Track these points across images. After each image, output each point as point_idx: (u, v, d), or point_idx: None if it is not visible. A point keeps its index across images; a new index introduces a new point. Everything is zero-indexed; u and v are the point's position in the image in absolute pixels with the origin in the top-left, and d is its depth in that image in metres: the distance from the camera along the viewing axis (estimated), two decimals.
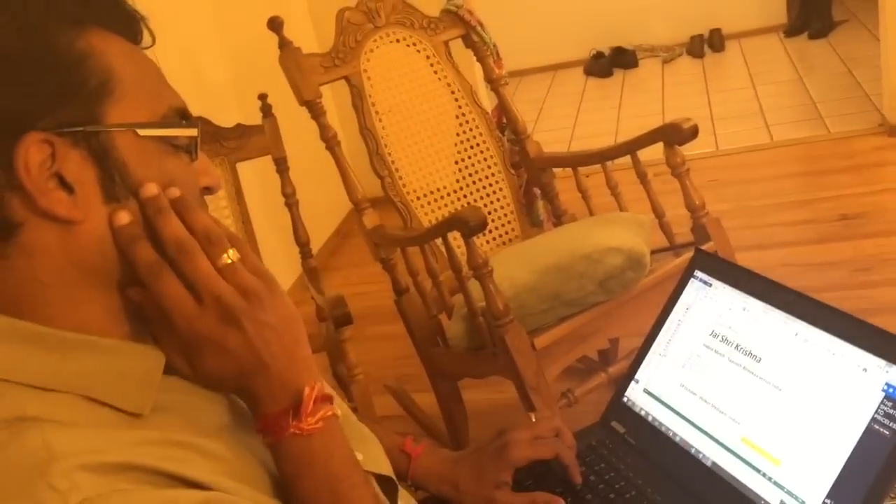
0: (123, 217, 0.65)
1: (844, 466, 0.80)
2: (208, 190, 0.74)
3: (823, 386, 0.85)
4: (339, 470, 0.71)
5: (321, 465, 0.70)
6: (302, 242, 2.03)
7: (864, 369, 0.82)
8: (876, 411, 0.79)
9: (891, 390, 0.79)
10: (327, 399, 0.71)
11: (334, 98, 3.01)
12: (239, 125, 1.97)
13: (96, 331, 0.66)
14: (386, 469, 0.82)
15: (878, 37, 3.50)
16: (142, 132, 0.66)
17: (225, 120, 1.98)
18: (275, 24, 1.92)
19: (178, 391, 0.69)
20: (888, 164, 3.30)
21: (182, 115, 0.71)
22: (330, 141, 1.97)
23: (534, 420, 0.97)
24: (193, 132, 0.71)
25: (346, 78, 2.03)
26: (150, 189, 0.66)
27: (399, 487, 0.84)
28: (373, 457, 0.81)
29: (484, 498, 0.92)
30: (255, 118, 2.00)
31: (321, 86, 1.99)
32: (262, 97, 1.99)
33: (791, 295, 0.92)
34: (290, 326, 0.71)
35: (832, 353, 0.85)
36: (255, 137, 1.97)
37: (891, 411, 0.78)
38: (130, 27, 0.70)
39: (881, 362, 0.81)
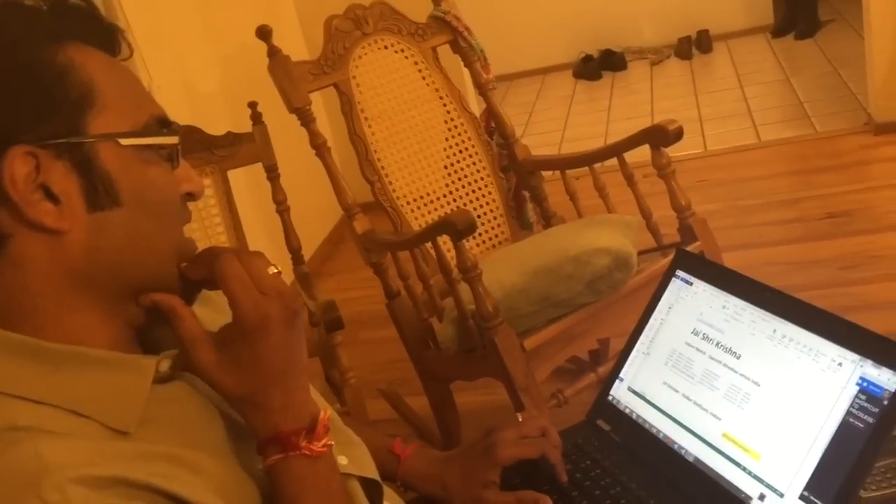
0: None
1: (821, 459, 0.82)
2: (190, 196, 0.75)
3: (801, 381, 0.87)
4: (337, 497, 0.73)
5: (322, 489, 0.71)
6: (293, 249, 2.05)
7: (840, 364, 0.84)
8: (851, 404, 0.82)
9: (865, 384, 0.81)
10: (328, 428, 0.73)
11: (325, 104, 3.03)
12: (229, 133, 1.99)
13: (86, 339, 0.67)
14: (371, 472, 0.84)
15: (863, 36, 3.54)
16: (123, 142, 0.68)
17: (215, 128, 1.99)
18: (263, 33, 1.94)
19: (174, 401, 0.70)
20: (874, 163, 3.33)
21: (163, 124, 0.72)
22: (320, 147, 1.99)
23: (520, 420, 0.99)
24: (174, 140, 0.73)
25: (336, 85, 2.05)
26: None
27: (384, 489, 0.86)
28: (358, 460, 0.83)
29: (472, 497, 0.94)
30: (246, 126, 2.02)
31: (310, 93, 2.00)
32: (252, 105, 2.01)
33: (769, 292, 0.94)
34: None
35: (809, 348, 0.87)
36: (246, 145, 1.99)
37: (865, 404, 0.81)
38: (108, 40, 0.72)
39: (855, 357, 0.83)
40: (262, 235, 2.83)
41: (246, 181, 2.52)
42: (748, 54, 5.16)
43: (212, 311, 0.81)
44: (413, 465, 0.98)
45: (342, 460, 0.80)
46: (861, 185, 3.15)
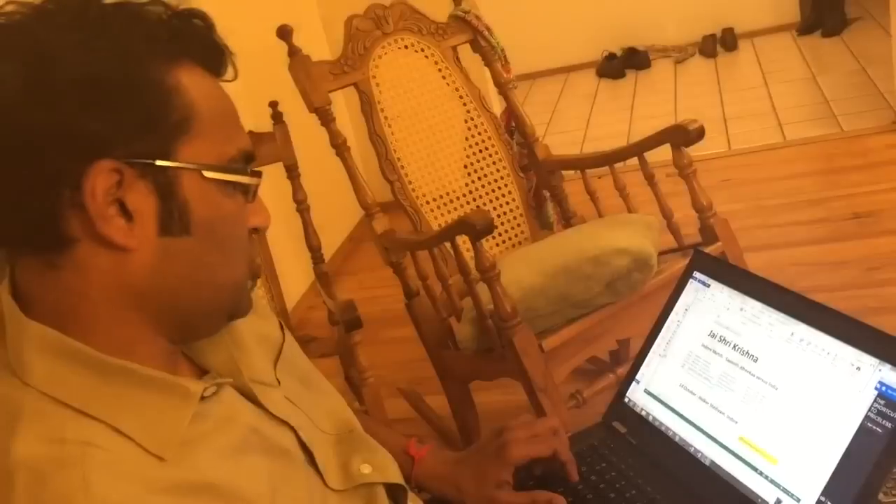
0: None
1: (839, 464, 0.81)
2: (256, 230, 0.75)
3: (819, 385, 0.86)
4: None
5: None
6: (313, 248, 2.06)
7: (858, 368, 0.83)
8: (869, 409, 0.80)
9: (883, 388, 0.80)
10: None
11: (346, 104, 3.04)
12: (250, 132, 1.98)
13: (134, 353, 0.67)
14: (395, 477, 0.84)
15: (891, 34, 3.48)
16: (208, 174, 0.68)
17: None
18: (284, 33, 1.95)
19: (214, 419, 0.69)
20: None
21: (248, 159, 0.72)
22: (340, 147, 1.99)
23: (532, 420, 0.99)
24: (257, 181, 0.73)
25: (355, 84, 2.06)
26: None
27: (408, 493, 0.86)
28: (381, 467, 0.83)
29: (485, 498, 0.94)
30: (267, 125, 2.03)
31: (330, 92, 2.01)
32: (273, 105, 2.02)
33: (787, 295, 0.93)
34: None
35: (827, 352, 0.86)
36: (267, 145, 1.99)
37: (883, 409, 0.79)
38: (217, 62, 0.71)
39: (874, 361, 0.82)
40: (282, 234, 2.84)
41: (267, 180, 2.53)
42: (774, 52, 5.10)
43: (257, 318, 0.83)
44: (427, 466, 0.99)
45: (365, 469, 0.80)
46: (888, 185, 3.10)
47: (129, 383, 0.66)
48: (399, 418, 2.33)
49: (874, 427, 0.79)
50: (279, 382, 0.80)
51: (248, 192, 0.73)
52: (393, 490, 0.83)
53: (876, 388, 0.81)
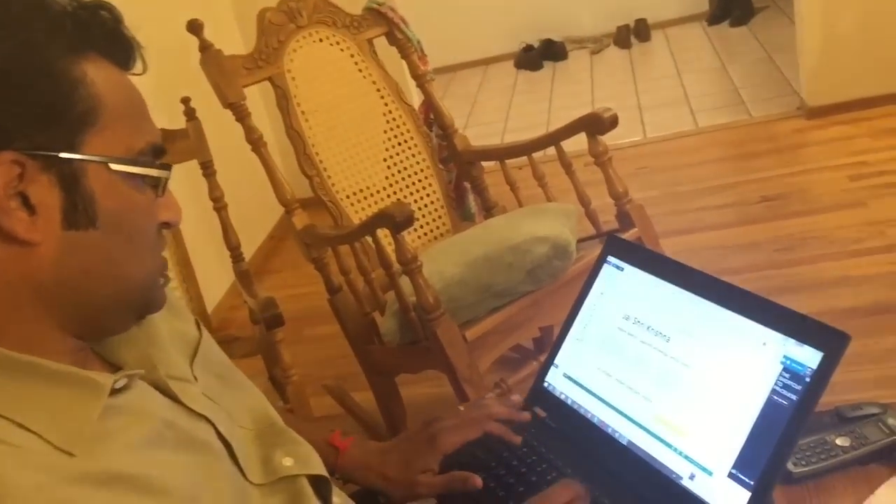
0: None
1: (748, 437, 0.84)
2: (167, 225, 0.74)
3: (728, 361, 0.89)
4: None
5: None
6: (232, 246, 2.03)
7: (765, 344, 0.86)
8: (776, 383, 0.83)
9: (788, 362, 0.83)
10: None
11: (263, 99, 2.99)
12: (162, 129, 1.94)
13: (42, 350, 0.65)
14: (318, 469, 0.83)
15: (795, 22, 3.61)
16: (115, 166, 0.66)
17: None
18: (194, 27, 1.91)
19: (126, 413, 0.68)
20: (807, 146, 3.42)
21: (157, 152, 0.71)
22: (256, 143, 1.96)
23: (461, 409, 1.01)
24: (166, 174, 0.71)
25: (270, 79, 2.03)
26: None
27: (333, 485, 0.86)
28: (303, 459, 0.82)
29: (408, 483, 0.95)
30: (180, 122, 1.98)
31: (245, 87, 1.98)
32: (185, 101, 1.98)
33: (697, 276, 0.96)
34: None
35: (735, 329, 0.89)
36: (180, 142, 1.95)
37: (789, 382, 0.82)
38: (125, 55, 0.70)
39: (779, 336, 0.85)
40: (200, 234, 2.79)
41: (182, 178, 2.47)
42: (685, 42, 5.24)
43: (173, 317, 0.81)
44: (352, 457, 0.99)
45: (287, 461, 0.80)
46: (795, 169, 3.23)
47: (36, 379, 0.64)
48: (326, 415, 2.32)
49: (780, 400, 0.82)
50: (196, 379, 0.79)
51: (158, 186, 0.71)
52: (317, 483, 0.82)
53: (781, 363, 0.83)
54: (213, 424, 0.75)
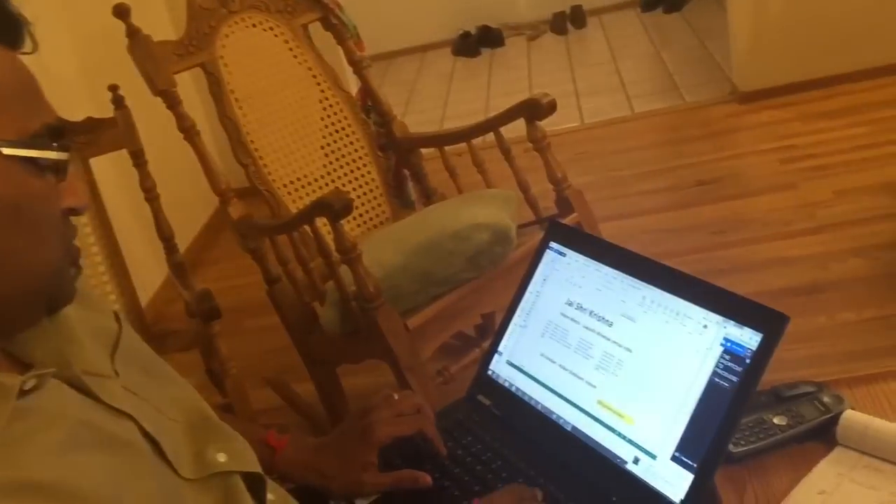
0: None
1: (691, 420, 0.84)
2: (73, 211, 0.69)
3: (670, 345, 0.89)
4: None
5: None
6: (166, 238, 1.97)
7: (705, 326, 0.86)
8: (716, 365, 0.84)
9: (729, 344, 0.84)
10: None
11: (195, 86, 2.92)
12: (89, 118, 1.89)
13: None
14: (252, 466, 0.81)
15: (726, 9, 3.67)
16: (6, 150, 0.62)
17: (74, 113, 1.88)
18: (121, 11, 1.84)
19: (37, 415, 0.64)
20: (739, 130, 3.48)
21: (54, 134, 0.66)
22: (188, 131, 1.91)
23: (396, 398, 0.98)
24: (64, 156, 0.66)
25: (202, 65, 1.98)
26: None
27: (267, 482, 0.83)
28: (238, 455, 0.79)
29: (350, 481, 0.92)
30: (108, 111, 1.92)
31: (175, 74, 1.92)
32: (113, 88, 1.92)
33: (638, 260, 0.96)
34: None
35: (676, 313, 0.89)
36: (108, 131, 1.89)
37: (729, 364, 0.83)
38: (12, 33, 0.65)
39: (719, 318, 0.85)
40: (132, 225, 2.72)
41: (112, 169, 2.40)
42: (620, 28, 5.29)
43: (89, 311, 0.77)
44: (289, 455, 0.96)
45: (220, 457, 0.77)
46: (728, 153, 3.29)
47: None
48: (266, 408, 2.28)
49: (722, 382, 0.83)
50: (117, 373, 0.75)
51: (58, 171, 0.67)
52: (252, 480, 0.80)
53: (722, 345, 0.84)
54: (135, 421, 0.72)
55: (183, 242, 2.06)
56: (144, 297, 2.69)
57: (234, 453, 0.79)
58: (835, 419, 0.91)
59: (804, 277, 2.40)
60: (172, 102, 1.90)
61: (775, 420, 0.94)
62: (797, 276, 2.41)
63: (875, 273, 2.34)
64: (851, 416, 0.91)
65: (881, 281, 2.30)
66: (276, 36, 2.09)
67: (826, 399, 0.95)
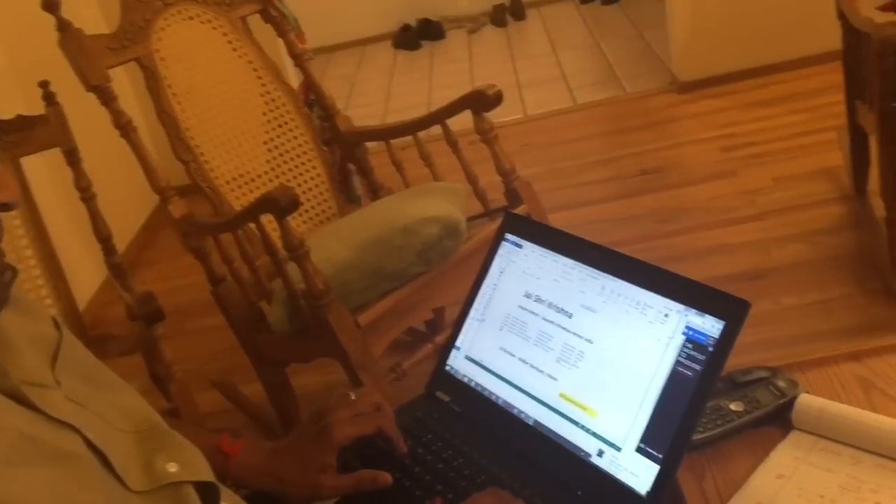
0: None
1: (654, 410, 0.83)
2: (5, 206, 0.65)
3: (631, 335, 0.88)
4: None
5: None
6: (104, 238, 1.90)
7: (666, 315, 0.85)
8: (679, 354, 0.83)
9: (691, 333, 0.83)
10: None
11: (130, 80, 2.84)
12: (20, 116, 1.81)
13: None
14: (206, 475, 0.77)
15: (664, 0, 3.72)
16: None
17: (3, 111, 1.81)
18: (50, 4, 1.77)
19: None
20: (679, 120, 3.53)
21: None
22: (124, 127, 1.85)
23: (353, 398, 0.95)
24: None
25: (138, 60, 1.91)
26: None
27: (221, 490, 0.80)
28: (189, 464, 0.76)
29: (309, 484, 0.89)
30: (39, 108, 1.84)
31: (109, 69, 1.85)
32: (44, 84, 1.84)
33: (596, 250, 0.95)
34: None
35: (637, 302, 0.88)
36: (39, 129, 1.81)
37: (692, 353, 0.82)
38: None
39: (680, 307, 0.84)
40: (68, 226, 2.63)
41: (44, 168, 2.31)
42: (559, 20, 5.32)
43: (26, 318, 0.73)
44: (243, 460, 0.92)
45: (171, 467, 0.73)
46: (670, 142, 3.32)
47: None
48: (213, 411, 2.23)
49: (685, 371, 0.82)
50: (59, 383, 0.71)
51: None
52: (205, 490, 0.76)
53: (684, 333, 0.83)
54: (80, 432, 0.68)
55: (121, 243, 2.00)
56: (82, 301, 2.61)
57: (185, 462, 0.75)
58: (790, 403, 0.91)
59: (747, 263, 2.43)
60: (107, 98, 1.83)
61: (732, 406, 0.94)
62: (740, 262, 2.45)
63: (815, 258, 2.39)
64: (806, 400, 0.91)
65: (821, 265, 2.35)
66: (214, 28, 2.04)
67: (781, 384, 0.95)
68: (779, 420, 0.92)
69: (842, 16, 2.24)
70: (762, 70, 3.59)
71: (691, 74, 3.69)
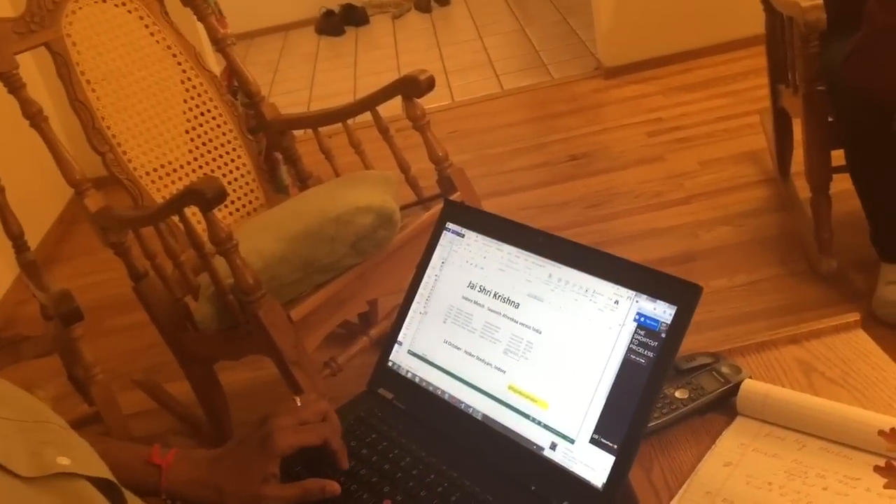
0: None
1: (608, 400, 0.81)
2: None
3: (581, 324, 0.85)
4: None
5: None
6: (14, 235, 1.80)
7: (616, 302, 0.83)
8: (630, 341, 0.81)
9: (642, 319, 0.81)
10: None
11: (38, 68, 2.70)
12: None
13: None
14: (102, 472, 0.70)
15: None
16: None
17: None
18: None
19: None
20: (606, 105, 3.54)
21: None
22: (35, 117, 1.74)
23: (299, 404, 0.90)
24: None
25: (47, 45, 1.80)
26: None
27: (126, 494, 0.73)
28: (82, 459, 0.69)
29: (250, 496, 0.83)
30: None
31: (17, 55, 1.74)
32: None
33: (540, 237, 0.92)
34: None
35: (585, 289, 0.86)
36: None
37: (644, 339, 0.80)
38: None
39: (630, 293, 0.82)
40: None
41: None
42: (484, 6, 5.30)
43: None
44: (177, 472, 0.85)
45: (63, 461, 0.66)
46: (597, 128, 3.34)
47: None
48: (138, 412, 2.14)
49: (637, 358, 0.80)
50: None
51: None
52: (110, 491, 0.69)
53: (635, 320, 0.81)
54: None
55: (33, 239, 1.89)
56: None
57: (77, 458, 0.68)
58: (734, 389, 0.91)
59: (676, 247, 2.46)
60: (14, 86, 1.72)
61: (677, 394, 0.93)
62: (670, 246, 2.47)
63: (742, 240, 2.43)
64: (750, 386, 0.90)
65: (748, 247, 2.39)
66: (129, 12, 1.94)
67: (724, 370, 0.95)
68: (723, 406, 0.91)
69: (765, 0, 2.27)
70: (686, 55, 3.64)
71: (616, 60, 3.71)
